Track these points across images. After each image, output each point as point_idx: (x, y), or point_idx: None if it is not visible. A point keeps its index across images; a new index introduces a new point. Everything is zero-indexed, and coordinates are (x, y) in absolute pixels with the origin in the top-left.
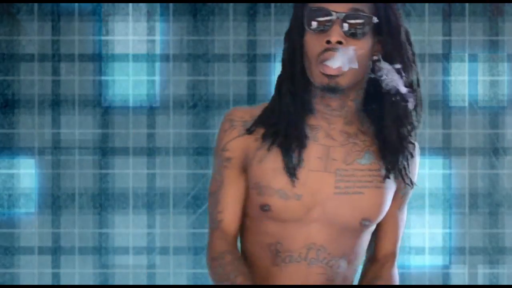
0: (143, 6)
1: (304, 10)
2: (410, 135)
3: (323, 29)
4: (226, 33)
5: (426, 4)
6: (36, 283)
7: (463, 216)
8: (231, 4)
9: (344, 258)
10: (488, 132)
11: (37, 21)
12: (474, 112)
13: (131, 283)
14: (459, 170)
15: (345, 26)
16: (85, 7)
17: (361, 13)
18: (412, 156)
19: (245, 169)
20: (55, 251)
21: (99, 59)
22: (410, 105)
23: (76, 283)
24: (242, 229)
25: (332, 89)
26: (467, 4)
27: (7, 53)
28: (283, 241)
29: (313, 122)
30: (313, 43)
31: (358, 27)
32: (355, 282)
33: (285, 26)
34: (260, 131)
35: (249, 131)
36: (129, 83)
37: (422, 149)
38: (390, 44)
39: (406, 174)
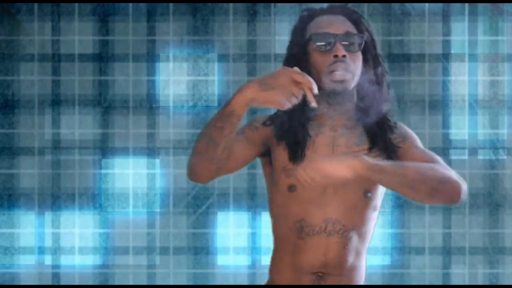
0: (143, 6)
1: (305, 33)
2: (387, 118)
3: (328, 48)
4: (226, 33)
5: (426, 4)
6: (37, 283)
7: (463, 216)
8: (231, 4)
9: (355, 231)
10: (488, 132)
11: (37, 21)
12: (474, 112)
13: (131, 283)
14: (459, 170)
15: (345, 43)
16: (85, 7)
17: (354, 33)
18: (391, 130)
19: (264, 151)
20: (55, 250)
21: (99, 59)
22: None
23: (76, 283)
24: (272, 213)
25: (340, 93)
26: (467, 4)
27: (7, 53)
28: (306, 218)
29: (319, 121)
30: (321, 59)
31: (353, 44)
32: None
33: (285, 26)
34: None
35: (265, 124)
36: (129, 83)
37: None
38: (370, 53)
39: (386, 141)
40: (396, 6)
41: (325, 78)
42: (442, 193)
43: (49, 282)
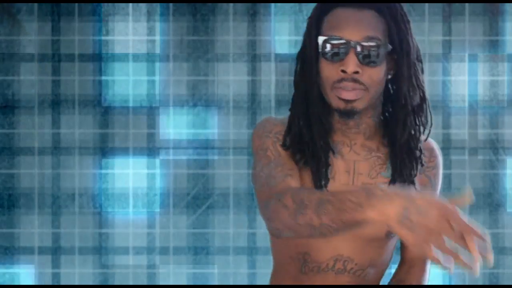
0: (143, 6)
1: (318, 30)
2: (418, 146)
3: (339, 57)
4: (226, 33)
5: (426, 4)
6: (36, 283)
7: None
8: (231, 4)
9: (371, 267)
10: (488, 132)
11: (37, 21)
12: (474, 112)
13: (131, 283)
14: (459, 170)
15: (361, 54)
16: (85, 7)
17: (376, 41)
18: (421, 164)
19: None
20: (55, 251)
21: (99, 59)
22: (417, 120)
23: (76, 283)
24: (272, 239)
25: (348, 113)
26: (467, 4)
27: (7, 53)
28: (311, 252)
29: (335, 138)
30: (328, 71)
31: (373, 55)
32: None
33: (285, 26)
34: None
35: (285, 146)
36: (129, 83)
37: None
38: (402, 65)
39: (412, 181)
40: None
41: (330, 92)
42: None
43: (50, 282)
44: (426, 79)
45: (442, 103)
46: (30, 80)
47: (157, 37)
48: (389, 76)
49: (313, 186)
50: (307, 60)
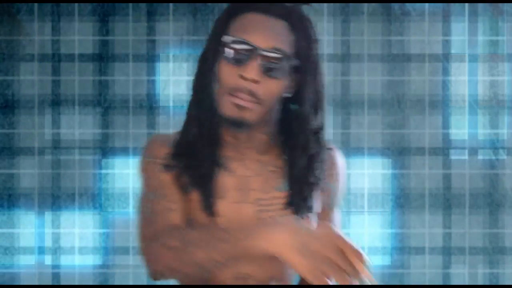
0: (143, 6)
1: (224, 31)
2: (319, 166)
3: (240, 62)
4: None
5: (426, 4)
6: (36, 283)
7: (463, 216)
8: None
9: (274, 281)
10: (488, 132)
11: (37, 21)
12: (474, 112)
13: (131, 283)
14: (459, 170)
15: (264, 63)
16: (85, 7)
17: (283, 53)
18: (317, 183)
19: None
20: (55, 250)
21: (99, 59)
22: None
23: (76, 283)
24: None
25: (238, 124)
26: (467, 4)
27: (7, 53)
28: (212, 273)
29: (225, 153)
30: (227, 75)
31: (277, 67)
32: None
33: None
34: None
35: (167, 168)
36: (129, 83)
37: (422, 149)
38: (307, 83)
39: (307, 201)
40: (396, 6)
41: (223, 98)
42: None
43: (49, 282)
44: (426, 79)
45: (442, 103)
46: (30, 80)
47: (157, 37)
48: (289, 95)
49: (201, 206)
50: (207, 61)
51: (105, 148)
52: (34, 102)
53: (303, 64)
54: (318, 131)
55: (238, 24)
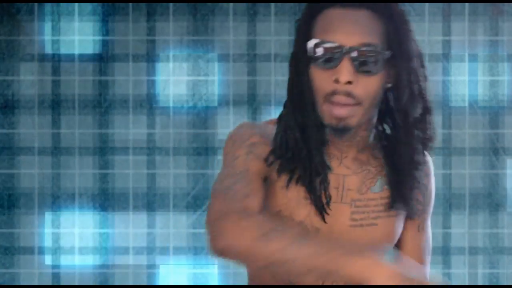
0: (143, 6)
1: (309, 34)
2: (421, 165)
3: (331, 64)
4: (226, 33)
5: (426, 4)
6: (36, 283)
7: (463, 216)
8: (231, 4)
9: None
10: (488, 132)
11: (37, 21)
12: (474, 112)
13: (131, 283)
14: (459, 170)
15: (356, 62)
16: (85, 7)
17: (374, 47)
18: (418, 182)
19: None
20: (55, 250)
21: (99, 59)
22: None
23: (76, 283)
24: None
25: (341, 130)
26: (467, 4)
27: (7, 53)
28: (298, 275)
29: (326, 150)
30: (320, 80)
31: (370, 63)
32: None
33: (285, 26)
34: (277, 162)
35: (268, 162)
36: (129, 83)
37: None
38: (402, 73)
39: (411, 203)
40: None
41: (322, 105)
42: None
43: (49, 282)
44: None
45: (442, 103)
46: (30, 80)
47: (157, 37)
48: (388, 85)
49: (313, 207)
50: (298, 66)
51: (105, 148)
52: (34, 102)
53: (397, 53)
54: (419, 125)
55: (320, 25)
